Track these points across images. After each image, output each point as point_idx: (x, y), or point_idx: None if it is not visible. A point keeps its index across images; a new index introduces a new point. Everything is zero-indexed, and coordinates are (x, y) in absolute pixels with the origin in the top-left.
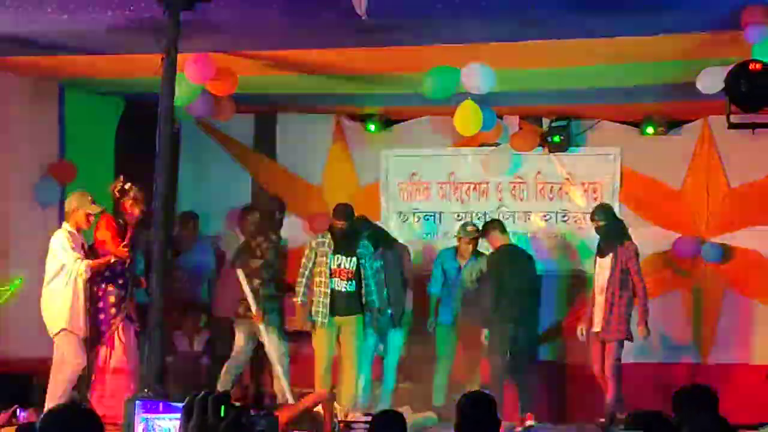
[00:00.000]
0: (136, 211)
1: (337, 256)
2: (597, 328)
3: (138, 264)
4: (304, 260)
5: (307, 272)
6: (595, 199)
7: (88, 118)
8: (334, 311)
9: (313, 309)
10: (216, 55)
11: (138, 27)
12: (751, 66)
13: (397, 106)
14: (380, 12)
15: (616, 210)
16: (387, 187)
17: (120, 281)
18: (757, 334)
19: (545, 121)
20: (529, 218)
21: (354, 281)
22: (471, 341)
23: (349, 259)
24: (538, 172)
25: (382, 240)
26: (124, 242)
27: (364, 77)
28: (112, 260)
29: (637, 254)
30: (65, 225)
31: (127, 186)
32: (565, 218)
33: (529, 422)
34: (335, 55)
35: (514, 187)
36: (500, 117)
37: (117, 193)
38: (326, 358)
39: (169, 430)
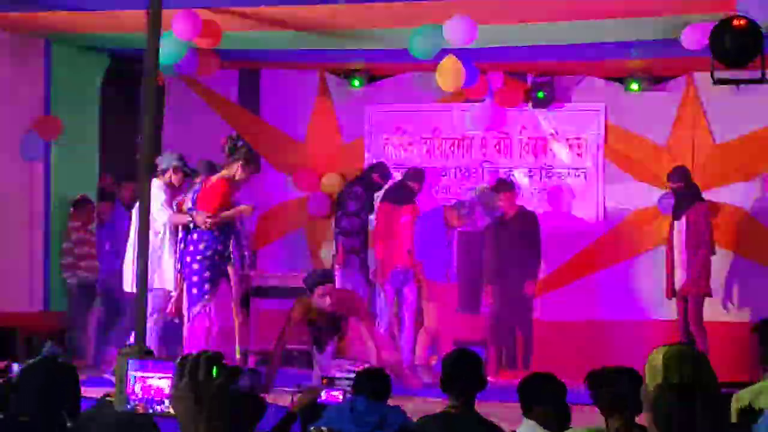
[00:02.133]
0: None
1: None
2: (678, 285)
3: None
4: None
5: None
6: (579, 155)
7: (74, 74)
8: None
9: None
10: (201, 11)
11: None
12: (735, 22)
13: (382, 62)
14: None
15: (600, 165)
16: (371, 142)
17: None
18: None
19: (530, 78)
20: (513, 174)
21: None
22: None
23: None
24: (523, 128)
25: None
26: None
27: (348, 33)
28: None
29: (707, 214)
30: (157, 181)
31: (239, 144)
32: (550, 174)
33: None
34: (319, 11)
35: (498, 142)
36: (484, 73)
37: (227, 150)
38: None
39: (162, 389)
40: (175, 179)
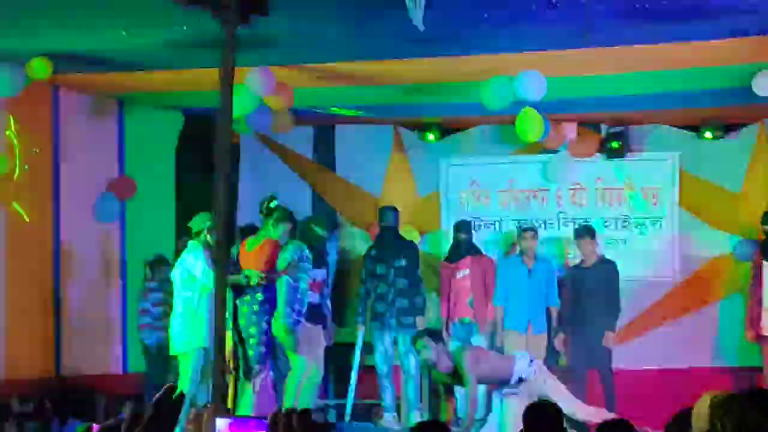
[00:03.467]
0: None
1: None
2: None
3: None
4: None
5: None
6: (654, 204)
7: (148, 134)
8: None
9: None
10: (274, 68)
11: (196, 42)
12: None
13: (455, 116)
14: (437, 22)
15: (675, 215)
16: (446, 196)
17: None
18: None
19: (603, 128)
20: (590, 224)
21: None
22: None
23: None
24: (598, 179)
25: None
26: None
27: (421, 87)
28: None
29: None
30: (194, 243)
31: (272, 205)
32: (625, 224)
33: None
34: (392, 66)
35: (574, 193)
36: (559, 124)
37: (263, 211)
38: None
39: None
40: (211, 239)
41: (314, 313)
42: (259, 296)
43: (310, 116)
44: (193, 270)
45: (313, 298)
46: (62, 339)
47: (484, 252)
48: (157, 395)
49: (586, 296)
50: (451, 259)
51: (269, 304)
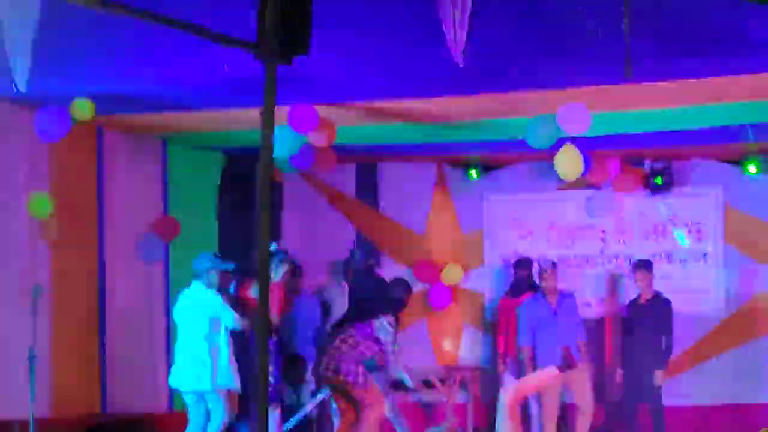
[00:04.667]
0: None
1: None
2: None
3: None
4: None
5: None
6: (699, 239)
7: (191, 173)
8: None
9: None
10: (316, 106)
11: (237, 82)
12: None
13: (498, 153)
14: (477, 58)
15: (720, 250)
16: (490, 233)
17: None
18: None
19: (647, 163)
20: (632, 261)
21: None
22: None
23: None
24: (641, 214)
25: None
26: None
27: (463, 124)
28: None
29: None
30: (199, 284)
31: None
32: (671, 260)
33: None
34: (434, 104)
35: (617, 229)
36: (602, 160)
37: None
38: None
39: None
40: (212, 279)
41: None
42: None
43: (353, 154)
44: (214, 308)
45: None
46: (107, 378)
47: None
48: None
49: (640, 332)
50: (512, 295)
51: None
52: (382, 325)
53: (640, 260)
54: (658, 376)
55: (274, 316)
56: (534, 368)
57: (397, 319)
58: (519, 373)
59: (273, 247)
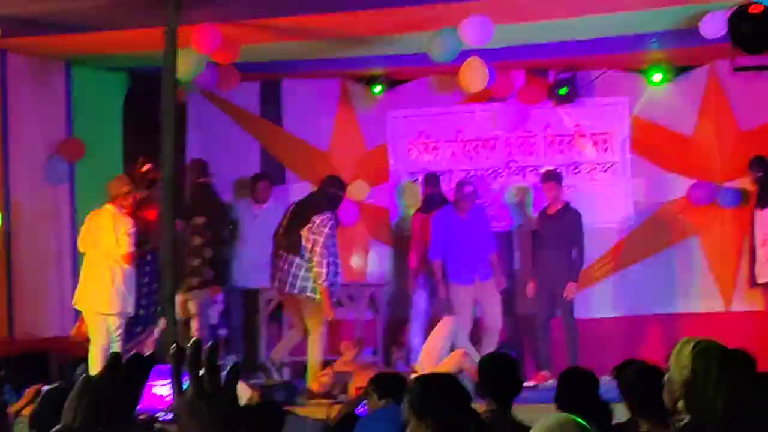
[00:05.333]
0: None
1: None
2: (762, 279)
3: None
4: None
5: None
6: (605, 149)
7: (95, 95)
8: None
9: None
10: (219, 25)
11: (140, 2)
12: (752, 8)
13: (402, 67)
14: None
15: (627, 160)
16: (394, 148)
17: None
18: None
19: (551, 74)
20: (539, 172)
21: None
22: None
23: None
24: (547, 125)
25: None
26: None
27: (366, 39)
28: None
29: None
30: (111, 207)
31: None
32: (577, 170)
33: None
34: (336, 19)
35: (523, 141)
36: (506, 72)
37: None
38: None
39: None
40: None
41: None
42: None
43: (256, 71)
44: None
45: None
46: (14, 302)
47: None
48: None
49: (550, 243)
50: (425, 210)
51: None
52: (323, 222)
53: (547, 171)
54: (571, 289)
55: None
56: (446, 283)
57: (335, 216)
58: (431, 291)
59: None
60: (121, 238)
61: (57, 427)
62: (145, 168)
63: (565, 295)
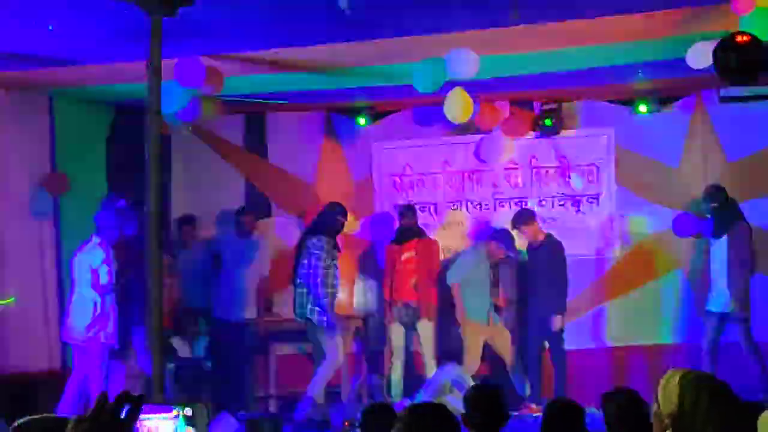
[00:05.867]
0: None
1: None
2: (715, 307)
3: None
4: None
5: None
6: (590, 180)
7: (79, 128)
8: None
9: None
10: (203, 58)
11: (124, 35)
12: (739, 38)
13: (386, 99)
14: (363, 5)
15: (612, 192)
16: (380, 180)
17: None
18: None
19: (536, 106)
20: (525, 204)
21: None
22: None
23: None
24: (533, 157)
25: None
26: None
27: (351, 71)
28: None
29: (750, 234)
30: (96, 239)
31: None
32: (562, 202)
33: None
34: (320, 52)
35: (509, 173)
36: (491, 104)
37: None
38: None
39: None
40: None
41: None
42: None
43: (241, 104)
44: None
45: None
46: (1, 336)
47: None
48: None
49: (538, 274)
50: (398, 242)
51: None
52: (313, 244)
53: (519, 212)
54: (557, 320)
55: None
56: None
57: (331, 241)
58: (410, 321)
59: (121, 204)
60: (100, 268)
61: None
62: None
63: (553, 326)
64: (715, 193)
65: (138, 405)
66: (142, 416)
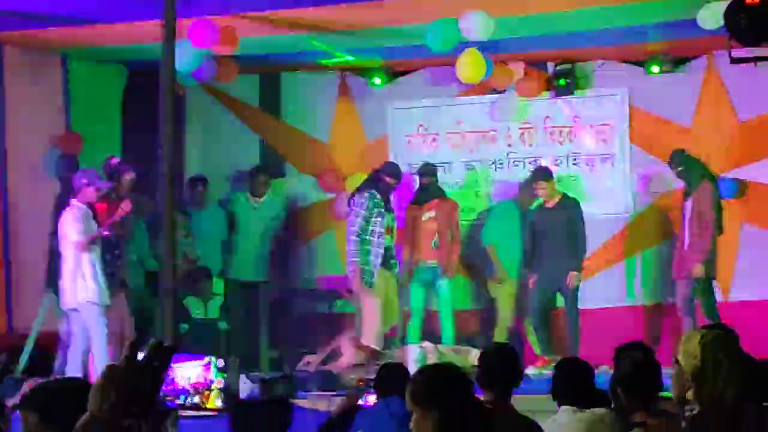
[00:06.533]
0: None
1: (390, 214)
2: (697, 274)
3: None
4: (361, 221)
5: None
6: (604, 140)
7: (93, 88)
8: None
9: (368, 269)
10: (217, 18)
11: None
12: (749, 0)
13: (401, 59)
14: None
15: (626, 150)
16: (394, 140)
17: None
18: None
19: (550, 66)
20: (539, 163)
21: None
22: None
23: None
24: (546, 117)
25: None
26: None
27: (365, 31)
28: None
29: (712, 195)
30: (73, 201)
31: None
32: (576, 161)
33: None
34: (335, 11)
35: (523, 133)
36: (506, 63)
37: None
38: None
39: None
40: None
41: None
42: None
43: (255, 64)
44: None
45: None
46: (13, 295)
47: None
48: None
49: (550, 236)
50: (418, 202)
51: None
52: (354, 202)
53: (537, 169)
54: (573, 277)
55: (100, 229)
56: None
57: (372, 196)
58: (431, 280)
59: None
60: (68, 228)
61: (83, 417)
62: (113, 161)
63: (567, 282)
64: (676, 157)
65: (170, 352)
66: (174, 364)
